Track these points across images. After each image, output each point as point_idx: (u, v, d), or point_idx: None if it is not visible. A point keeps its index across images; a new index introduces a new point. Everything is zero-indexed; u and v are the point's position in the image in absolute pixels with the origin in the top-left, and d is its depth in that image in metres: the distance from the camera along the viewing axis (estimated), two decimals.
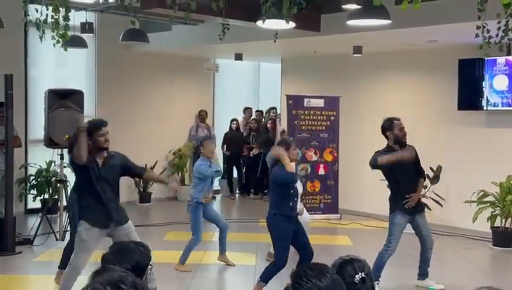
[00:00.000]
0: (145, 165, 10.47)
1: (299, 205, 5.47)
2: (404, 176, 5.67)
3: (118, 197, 4.95)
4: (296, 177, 5.24)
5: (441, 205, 8.51)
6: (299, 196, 5.37)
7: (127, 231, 4.80)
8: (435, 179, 8.41)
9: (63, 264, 5.64)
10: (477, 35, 5.18)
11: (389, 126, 5.74)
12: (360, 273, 2.36)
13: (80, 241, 4.81)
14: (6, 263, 6.54)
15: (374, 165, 5.57)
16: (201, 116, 11.14)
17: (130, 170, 5.00)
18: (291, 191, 5.16)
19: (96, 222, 4.75)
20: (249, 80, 13.12)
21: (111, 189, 4.81)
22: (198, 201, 6.25)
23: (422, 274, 6.02)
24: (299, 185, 5.39)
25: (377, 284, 5.38)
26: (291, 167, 5.08)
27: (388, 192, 8.65)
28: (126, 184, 10.45)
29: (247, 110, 12.01)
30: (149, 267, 2.54)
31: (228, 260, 6.63)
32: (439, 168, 8.43)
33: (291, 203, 5.18)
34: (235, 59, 10.82)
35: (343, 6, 5.39)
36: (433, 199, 8.44)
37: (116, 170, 4.84)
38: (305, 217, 6.29)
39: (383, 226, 8.87)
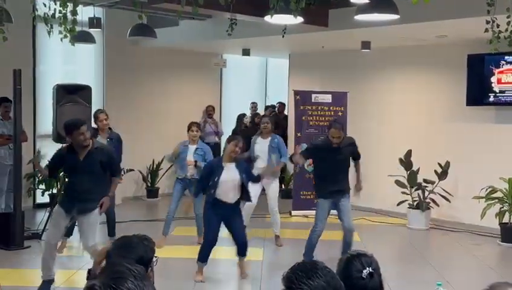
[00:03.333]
0: (153, 160, 10.55)
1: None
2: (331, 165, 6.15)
3: (99, 187, 5.35)
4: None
5: (449, 201, 8.48)
6: (222, 185, 5.70)
7: (84, 220, 5.30)
8: (443, 175, 8.38)
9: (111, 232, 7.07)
10: (486, 30, 5.15)
11: (328, 127, 6.29)
12: (367, 268, 2.35)
13: (51, 217, 5.61)
14: (15, 257, 6.59)
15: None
16: (209, 111, 11.13)
17: (109, 168, 5.42)
18: (210, 183, 5.70)
19: (63, 205, 5.36)
20: (256, 76, 13.10)
21: (88, 180, 5.23)
22: (178, 177, 7.17)
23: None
24: (226, 176, 5.70)
25: None
26: None
27: (397, 188, 8.65)
28: (134, 180, 10.50)
29: (251, 104, 12.02)
30: (154, 259, 2.56)
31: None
32: (447, 163, 8.40)
33: (212, 191, 5.71)
34: (243, 54, 10.80)
35: (352, 1, 5.36)
36: (441, 195, 8.41)
37: (96, 163, 5.28)
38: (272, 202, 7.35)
39: (391, 222, 8.87)
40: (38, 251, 6.85)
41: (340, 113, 9.53)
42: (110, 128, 7.14)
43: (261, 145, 7.33)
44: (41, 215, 7.80)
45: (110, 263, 2.48)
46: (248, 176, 5.87)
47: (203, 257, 5.90)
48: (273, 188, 7.38)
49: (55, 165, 5.57)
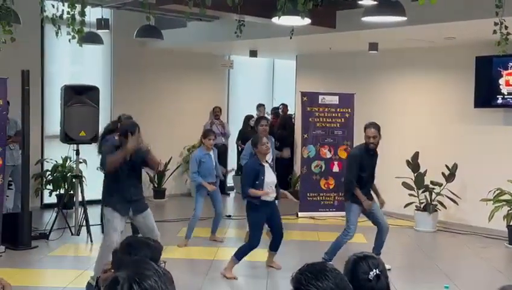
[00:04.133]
0: (159, 160, 10.53)
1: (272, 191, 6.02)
2: (369, 171, 6.34)
3: (141, 184, 5.54)
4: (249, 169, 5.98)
5: (456, 203, 8.44)
6: (268, 184, 5.89)
7: (141, 219, 5.41)
8: (451, 177, 8.35)
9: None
10: (494, 32, 5.12)
11: (364, 128, 6.39)
12: (374, 270, 2.35)
13: (106, 222, 5.41)
14: (23, 257, 6.61)
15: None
16: (216, 112, 11.15)
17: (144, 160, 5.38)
18: (257, 182, 5.84)
19: (118, 209, 5.31)
20: (263, 77, 13.10)
21: (136, 178, 5.39)
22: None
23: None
24: (269, 175, 5.95)
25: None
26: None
27: (404, 190, 8.61)
28: None
29: (260, 107, 12.02)
30: (161, 263, 2.57)
31: (217, 238, 7.44)
32: (455, 166, 8.36)
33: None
34: (250, 56, 10.81)
35: (359, 2, 5.35)
36: (448, 197, 8.38)
37: (139, 162, 5.32)
38: None
39: (397, 224, 8.83)
40: (45, 251, 6.89)
41: (347, 115, 9.52)
42: None
43: None
44: (49, 216, 7.84)
45: (117, 260, 2.51)
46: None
47: (241, 257, 6.06)
48: None
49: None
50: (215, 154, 7.32)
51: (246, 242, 6.28)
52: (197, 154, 7.19)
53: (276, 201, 6.25)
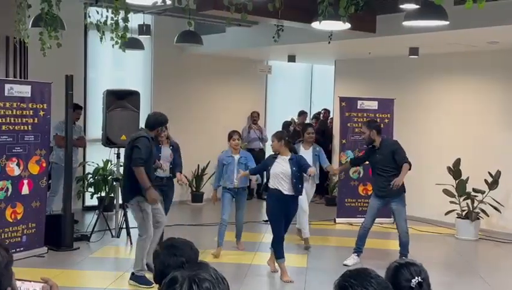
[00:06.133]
0: (198, 165, 10.65)
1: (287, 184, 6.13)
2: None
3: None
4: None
5: (499, 211, 8.24)
6: (275, 174, 6.10)
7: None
8: (494, 185, 8.15)
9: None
10: None
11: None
12: (416, 278, 2.32)
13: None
14: (65, 258, 6.75)
15: None
16: (254, 117, 11.18)
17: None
18: (267, 173, 6.21)
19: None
20: (301, 82, 13.09)
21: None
22: (226, 187, 7.08)
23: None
24: (277, 167, 6.11)
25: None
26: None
27: (445, 197, 8.46)
28: (179, 184, 10.61)
29: (302, 114, 11.99)
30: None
31: (239, 245, 7.28)
32: (498, 173, 8.16)
33: (267, 181, 6.25)
34: (288, 61, 10.81)
35: (400, 6, 5.28)
36: (491, 205, 8.18)
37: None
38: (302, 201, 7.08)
39: (438, 232, 8.67)
40: (86, 253, 7.02)
41: (386, 120, 9.40)
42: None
43: (304, 155, 6.92)
44: (90, 218, 7.98)
45: (161, 261, 2.53)
46: (299, 168, 6.11)
47: (280, 253, 6.14)
48: (308, 190, 7.41)
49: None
50: (244, 159, 7.07)
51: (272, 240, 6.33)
52: (220, 156, 7.14)
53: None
